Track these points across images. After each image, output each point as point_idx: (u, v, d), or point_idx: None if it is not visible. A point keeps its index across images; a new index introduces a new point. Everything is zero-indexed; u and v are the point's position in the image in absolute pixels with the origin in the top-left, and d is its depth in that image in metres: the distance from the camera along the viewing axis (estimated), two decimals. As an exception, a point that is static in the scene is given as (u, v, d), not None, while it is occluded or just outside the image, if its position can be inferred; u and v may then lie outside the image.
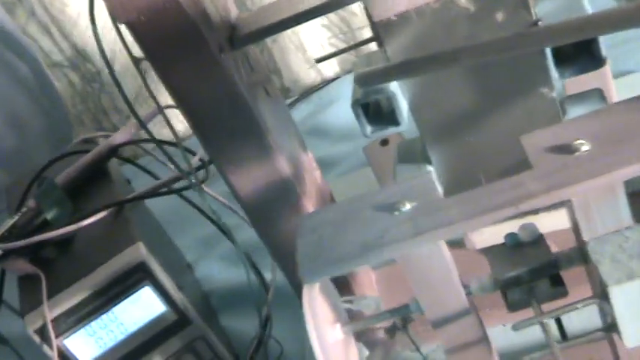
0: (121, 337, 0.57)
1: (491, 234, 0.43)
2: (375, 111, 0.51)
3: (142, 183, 0.73)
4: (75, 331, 0.56)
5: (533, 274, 0.37)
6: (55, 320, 0.55)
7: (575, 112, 0.51)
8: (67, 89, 1.17)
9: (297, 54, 1.10)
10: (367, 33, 1.11)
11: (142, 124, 0.52)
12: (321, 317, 0.39)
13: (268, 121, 0.48)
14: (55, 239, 0.60)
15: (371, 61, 0.52)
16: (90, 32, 1.09)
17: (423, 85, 0.50)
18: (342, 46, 1.13)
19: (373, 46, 0.99)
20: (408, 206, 0.36)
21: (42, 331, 0.54)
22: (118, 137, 0.69)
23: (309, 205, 0.51)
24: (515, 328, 0.36)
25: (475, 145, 0.52)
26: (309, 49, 1.10)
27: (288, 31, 0.88)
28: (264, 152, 0.47)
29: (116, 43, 1.21)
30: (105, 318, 0.56)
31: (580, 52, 0.46)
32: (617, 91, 0.62)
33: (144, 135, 0.75)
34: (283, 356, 0.66)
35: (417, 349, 0.45)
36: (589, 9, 0.46)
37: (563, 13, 0.46)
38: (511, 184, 0.34)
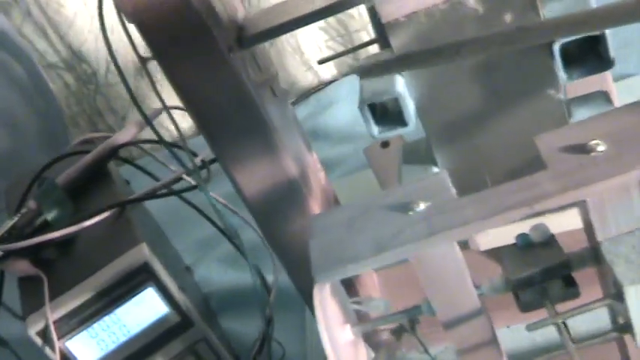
0: (123, 339, 0.57)
1: (496, 235, 0.43)
2: (381, 112, 0.51)
3: (139, 184, 0.73)
4: (77, 333, 0.55)
5: (546, 274, 0.37)
6: (57, 322, 0.54)
7: (580, 113, 0.51)
8: (61, 90, 1.17)
9: (294, 56, 1.10)
10: (364, 35, 1.11)
11: (149, 123, 0.51)
12: (331, 318, 0.39)
13: (275, 120, 0.48)
14: (56, 240, 0.59)
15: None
16: (86, 33, 1.10)
17: (430, 86, 0.50)
18: (340, 48, 1.13)
19: (372, 48, 0.99)
20: (422, 206, 0.35)
21: (44, 333, 0.54)
22: (120, 138, 0.68)
23: (315, 205, 0.51)
24: (530, 329, 0.36)
25: (481, 146, 0.52)
26: (307, 52, 1.10)
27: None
28: (271, 152, 0.47)
29: (112, 44, 1.20)
30: (107, 320, 0.56)
31: (588, 54, 0.46)
32: (618, 94, 0.62)
33: (144, 135, 0.75)
34: (285, 358, 0.66)
35: (426, 351, 0.45)
36: (597, 10, 0.46)
37: (571, 14, 0.46)
38: (526, 184, 0.34)
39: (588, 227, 0.37)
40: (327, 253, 0.36)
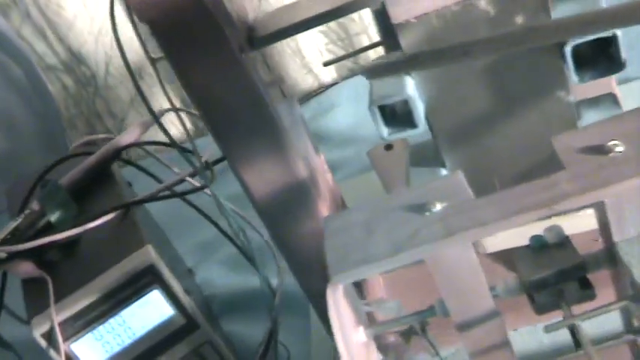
0: (128, 341, 0.56)
1: (503, 238, 0.43)
2: (390, 114, 0.51)
3: (141, 185, 0.72)
4: (82, 336, 0.55)
5: (562, 276, 0.37)
6: (61, 324, 0.54)
7: (589, 116, 0.51)
8: (60, 93, 1.16)
9: (294, 59, 1.10)
10: (364, 39, 1.11)
11: (158, 122, 0.51)
12: (345, 319, 0.38)
13: (285, 121, 0.48)
14: (60, 242, 0.59)
15: (388, 63, 0.52)
16: (85, 35, 1.09)
17: (440, 88, 0.50)
18: (340, 52, 1.13)
19: (374, 51, 0.99)
20: (438, 207, 0.35)
21: (49, 336, 0.53)
22: (123, 139, 0.68)
23: (323, 207, 0.51)
24: (547, 330, 0.35)
25: (490, 148, 0.52)
26: (307, 55, 1.10)
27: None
28: (281, 153, 0.47)
29: (112, 47, 1.19)
30: (113, 322, 0.55)
31: (599, 56, 0.46)
32: (622, 97, 0.62)
33: (145, 137, 0.75)
34: (290, 361, 0.65)
35: (437, 353, 0.45)
36: (608, 12, 0.46)
37: (582, 16, 0.46)
38: (544, 185, 0.34)
39: (604, 228, 0.36)
40: (343, 254, 0.35)
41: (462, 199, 0.35)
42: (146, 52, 0.47)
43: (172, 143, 0.53)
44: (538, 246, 0.39)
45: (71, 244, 0.60)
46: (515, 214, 0.33)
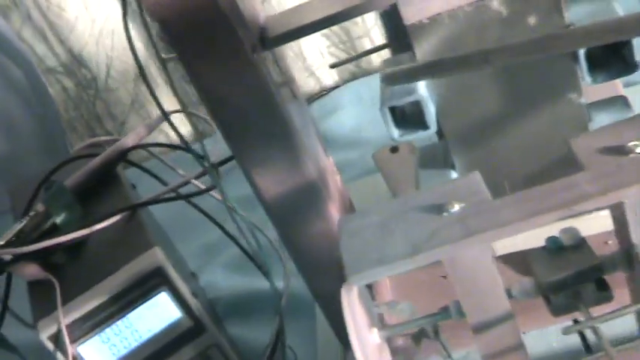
0: (134, 344, 0.56)
1: (511, 241, 0.43)
2: (401, 115, 0.51)
3: (144, 187, 0.72)
4: (89, 338, 0.54)
5: (579, 278, 0.37)
6: (68, 327, 0.53)
7: (600, 118, 0.51)
8: (59, 95, 1.16)
9: (296, 62, 1.10)
10: (366, 42, 1.11)
11: (168, 121, 0.51)
12: (359, 321, 0.38)
13: (296, 122, 0.47)
14: (66, 244, 0.58)
15: (399, 64, 0.51)
16: (87, 37, 1.09)
17: (451, 89, 0.50)
18: (342, 55, 1.13)
19: (375, 54, 0.98)
20: (456, 207, 0.35)
21: (56, 338, 0.53)
22: (128, 141, 0.67)
23: (333, 208, 0.51)
24: (566, 332, 0.35)
25: (501, 150, 0.52)
26: (309, 58, 1.10)
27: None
28: (293, 154, 0.47)
29: (113, 49, 1.19)
30: (120, 324, 0.55)
31: (611, 57, 0.46)
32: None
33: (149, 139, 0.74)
34: (297, 363, 0.65)
35: (449, 356, 0.45)
36: (621, 13, 0.46)
37: (595, 17, 0.46)
38: (565, 186, 0.33)
39: (622, 229, 0.36)
40: (360, 254, 0.35)
41: (480, 200, 0.35)
42: (157, 52, 0.46)
43: (184, 145, 0.52)
44: (554, 247, 0.39)
45: (77, 246, 0.60)
46: (536, 215, 0.33)
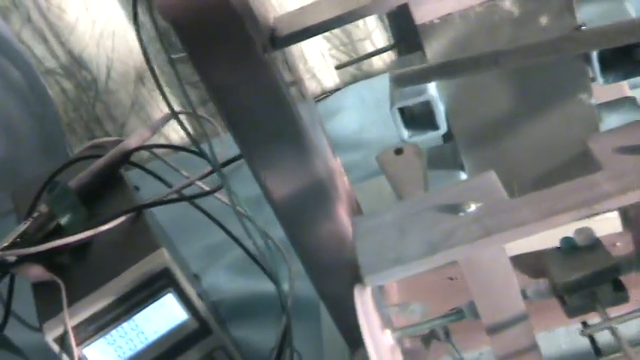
0: (140, 346, 0.56)
1: (522, 242, 0.43)
2: (409, 115, 0.51)
3: (147, 188, 0.71)
4: (95, 340, 0.54)
5: (595, 278, 0.37)
6: (74, 328, 0.53)
7: (610, 119, 0.51)
8: (59, 96, 1.15)
9: (297, 64, 1.10)
10: (368, 45, 1.11)
11: (177, 119, 0.50)
12: (372, 322, 0.38)
13: (305, 122, 0.47)
14: (71, 245, 0.58)
15: (408, 64, 0.51)
16: (87, 39, 1.08)
17: (460, 89, 0.49)
18: (343, 57, 1.13)
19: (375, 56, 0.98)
20: (473, 207, 0.35)
21: (62, 340, 0.52)
22: (132, 142, 0.67)
23: (342, 209, 0.50)
24: (584, 333, 0.35)
25: (511, 150, 0.52)
26: (310, 60, 1.10)
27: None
28: (302, 154, 0.46)
29: (113, 50, 1.18)
30: (126, 326, 0.54)
31: (622, 58, 0.46)
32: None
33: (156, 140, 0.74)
34: (302, 366, 0.64)
35: (461, 358, 0.44)
36: (633, 13, 0.46)
37: (607, 17, 0.46)
38: (584, 185, 0.33)
39: (638, 230, 0.36)
40: (377, 255, 0.35)
41: (497, 200, 0.35)
42: (166, 52, 0.46)
43: (194, 146, 0.52)
44: (568, 248, 0.39)
45: (82, 247, 0.59)
46: (555, 214, 0.32)
